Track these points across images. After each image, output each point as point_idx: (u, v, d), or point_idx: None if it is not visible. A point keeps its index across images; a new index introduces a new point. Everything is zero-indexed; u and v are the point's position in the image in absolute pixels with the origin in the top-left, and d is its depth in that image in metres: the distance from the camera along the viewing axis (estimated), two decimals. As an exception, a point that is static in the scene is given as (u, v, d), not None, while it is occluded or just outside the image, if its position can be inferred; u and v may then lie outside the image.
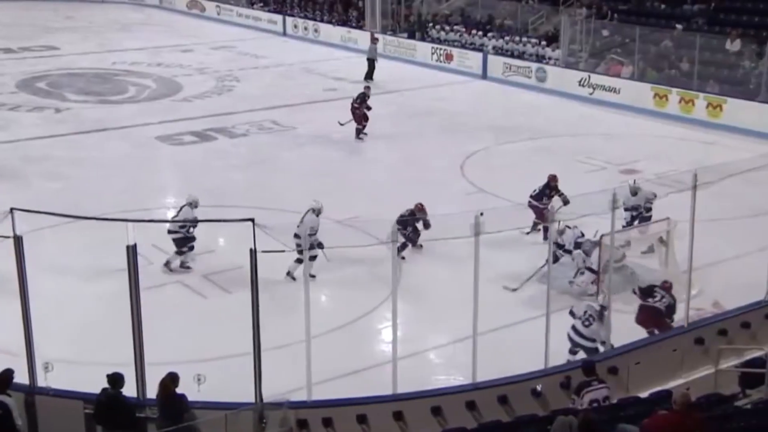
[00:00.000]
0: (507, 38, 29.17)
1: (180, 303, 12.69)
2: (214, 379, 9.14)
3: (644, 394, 9.77)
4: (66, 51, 33.17)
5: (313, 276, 12.82)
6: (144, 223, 11.29)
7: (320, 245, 12.09)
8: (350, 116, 21.01)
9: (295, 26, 37.22)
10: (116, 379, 8.59)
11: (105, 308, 11.64)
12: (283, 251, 8.83)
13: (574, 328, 10.84)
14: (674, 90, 23.47)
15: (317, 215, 13.15)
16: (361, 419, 9.29)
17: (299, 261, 12.84)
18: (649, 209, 14.14)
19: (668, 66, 24.88)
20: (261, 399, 8.96)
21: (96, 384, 8.74)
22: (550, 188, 14.57)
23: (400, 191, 17.22)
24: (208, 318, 12.16)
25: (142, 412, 8.91)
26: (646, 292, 11.44)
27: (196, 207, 13.61)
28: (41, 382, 9.14)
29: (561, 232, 13.12)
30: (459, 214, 13.61)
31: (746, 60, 23.46)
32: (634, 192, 14.15)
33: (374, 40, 29.62)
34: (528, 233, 14.68)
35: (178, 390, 8.66)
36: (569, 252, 13.14)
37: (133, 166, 19.23)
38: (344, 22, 35.27)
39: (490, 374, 9.91)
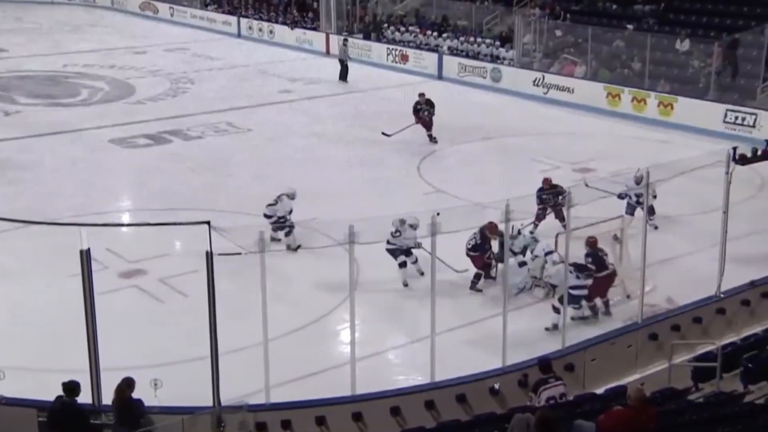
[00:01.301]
0: (462, 39, 29.34)
1: (136, 307, 12.55)
2: (171, 383, 9.07)
3: (600, 390, 9.91)
4: (15, 53, 32.64)
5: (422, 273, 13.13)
6: (98, 227, 11.16)
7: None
8: (396, 128, 20.54)
9: (250, 28, 37.04)
10: (72, 388, 8.47)
11: (59, 314, 11.46)
12: (239, 254, 8.78)
13: (573, 287, 11.24)
14: (626, 89, 23.78)
15: (415, 229, 13.18)
16: (320, 421, 9.29)
17: (404, 264, 13.19)
18: (654, 197, 14.15)
19: (620, 65, 25.22)
20: (219, 402, 8.92)
21: (50, 391, 8.62)
22: (543, 190, 14.78)
23: (357, 192, 17.25)
24: (164, 322, 12.05)
25: (98, 418, 8.81)
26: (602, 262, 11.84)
27: (293, 198, 14.55)
28: (-7, 391, 9.00)
29: (513, 237, 13.11)
30: (416, 214, 13.77)
31: (695, 59, 23.88)
32: (638, 181, 14.27)
33: (345, 41, 29.61)
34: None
35: (135, 395, 8.57)
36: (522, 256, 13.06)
37: (86, 170, 18.98)
38: (299, 24, 35.19)
39: (449, 373, 9.97)
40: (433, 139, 20.81)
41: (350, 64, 28.72)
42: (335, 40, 32.84)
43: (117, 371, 8.86)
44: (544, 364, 9.43)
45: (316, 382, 10.43)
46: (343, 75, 28.33)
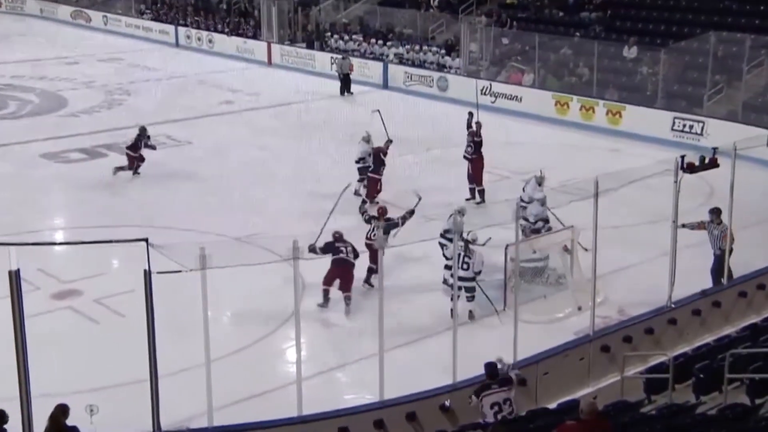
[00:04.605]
0: (407, 47, 29.50)
1: (70, 329, 12.36)
2: (108, 408, 8.94)
3: (553, 405, 9.98)
4: (-62, 64, 31.99)
5: None
6: (28, 246, 10.92)
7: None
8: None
9: (188, 37, 36.77)
10: (-1, 416, 8.28)
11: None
12: (179, 271, 8.67)
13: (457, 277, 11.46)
14: (575, 97, 24.16)
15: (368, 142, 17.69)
16: (266, 444, 9.21)
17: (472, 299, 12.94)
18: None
19: (568, 73, 25.60)
20: (159, 427, 8.79)
21: (-22, 421, 8.40)
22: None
23: (300, 205, 17.19)
24: (100, 344, 11.86)
25: (29, 448, 8.60)
26: (331, 250, 12.73)
27: (368, 141, 17.72)
28: None
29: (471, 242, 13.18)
30: (362, 229, 13.78)
31: (644, 66, 24.31)
32: (540, 181, 14.97)
33: (344, 57, 29.01)
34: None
35: (69, 422, 8.41)
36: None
37: (16, 186, 18.62)
38: (240, 32, 35.04)
39: (398, 391, 9.96)
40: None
41: (289, 74, 28.53)
42: (278, 50, 32.81)
43: (50, 398, 8.67)
44: (491, 369, 9.43)
45: (262, 403, 10.35)
46: (347, 87, 27.94)
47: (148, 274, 8.38)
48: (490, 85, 25.98)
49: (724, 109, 22.33)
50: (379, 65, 29.36)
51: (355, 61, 29.82)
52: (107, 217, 16.19)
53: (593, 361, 11.07)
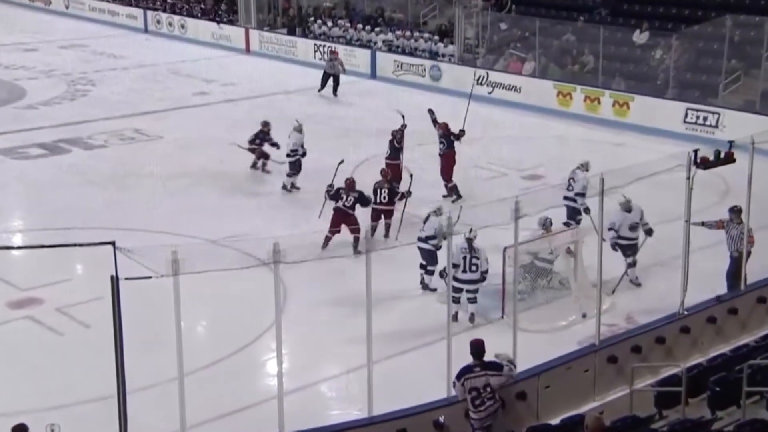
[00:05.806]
0: (397, 33, 29.51)
1: (29, 341, 12.34)
2: (72, 427, 8.91)
3: (555, 421, 10.00)
4: None
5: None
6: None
7: None
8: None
9: (159, 22, 36.73)
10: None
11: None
12: (149, 277, 8.66)
13: (458, 279, 12.21)
14: (578, 87, 24.21)
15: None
16: (244, 464, 9.22)
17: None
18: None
19: (571, 61, 25.65)
20: (127, 448, 8.77)
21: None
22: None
23: (281, 205, 17.21)
24: (63, 357, 11.86)
25: (-15, 471, 8.59)
26: (334, 196, 14.91)
27: (300, 131, 18.10)
28: None
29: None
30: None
31: (658, 50, 24.28)
32: (628, 209, 13.79)
33: (333, 56, 28.13)
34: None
35: (29, 443, 8.39)
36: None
37: (-31, 185, 18.60)
38: (215, 17, 35.00)
39: (388, 406, 9.98)
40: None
41: (269, 63, 28.49)
42: (256, 36, 32.80)
43: (7, 417, 8.68)
44: (477, 348, 9.44)
45: (240, 420, 10.38)
46: (330, 86, 27.30)
47: (115, 281, 8.35)
48: (487, 74, 26.02)
49: (741, 99, 22.41)
50: (367, 53, 29.36)
51: (341, 49, 29.75)
52: (70, 219, 16.16)
53: (599, 373, 11.10)
